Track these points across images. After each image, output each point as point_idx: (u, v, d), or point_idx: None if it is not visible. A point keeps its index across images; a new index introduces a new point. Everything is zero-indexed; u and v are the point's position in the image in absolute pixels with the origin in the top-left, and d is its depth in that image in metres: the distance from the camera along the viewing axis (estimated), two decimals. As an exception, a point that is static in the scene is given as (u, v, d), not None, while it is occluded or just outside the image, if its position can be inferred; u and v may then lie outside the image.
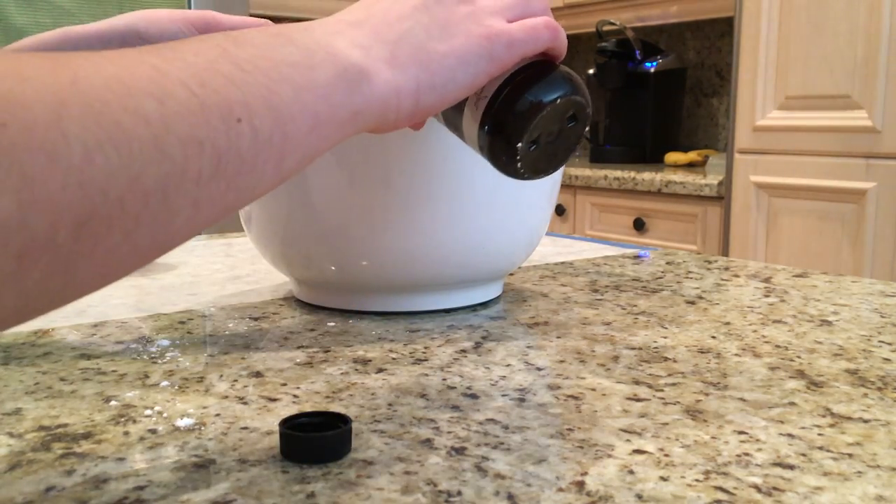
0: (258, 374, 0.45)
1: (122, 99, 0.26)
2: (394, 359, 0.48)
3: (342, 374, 0.45)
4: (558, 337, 0.53)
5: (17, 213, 0.24)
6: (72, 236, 0.25)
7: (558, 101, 0.40)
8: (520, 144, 0.41)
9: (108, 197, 0.26)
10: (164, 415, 0.39)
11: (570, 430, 0.37)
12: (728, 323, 0.57)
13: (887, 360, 0.48)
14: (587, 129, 0.44)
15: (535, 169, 0.43)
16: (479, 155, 0.44)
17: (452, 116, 0.44)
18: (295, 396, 0.42)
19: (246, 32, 0.33)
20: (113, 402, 0.41)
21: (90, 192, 0.25)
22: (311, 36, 0.35)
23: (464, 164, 0.54)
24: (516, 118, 0.40)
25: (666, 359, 0.48)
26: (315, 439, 0.34)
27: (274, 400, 0.41)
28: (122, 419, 0.38)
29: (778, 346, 0.51)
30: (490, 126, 0.41)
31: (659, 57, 2.52)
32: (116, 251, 0.27)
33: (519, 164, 0.42)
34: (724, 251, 2.00)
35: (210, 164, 0.29)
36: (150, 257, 0.29)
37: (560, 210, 2.45)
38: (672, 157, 2.45)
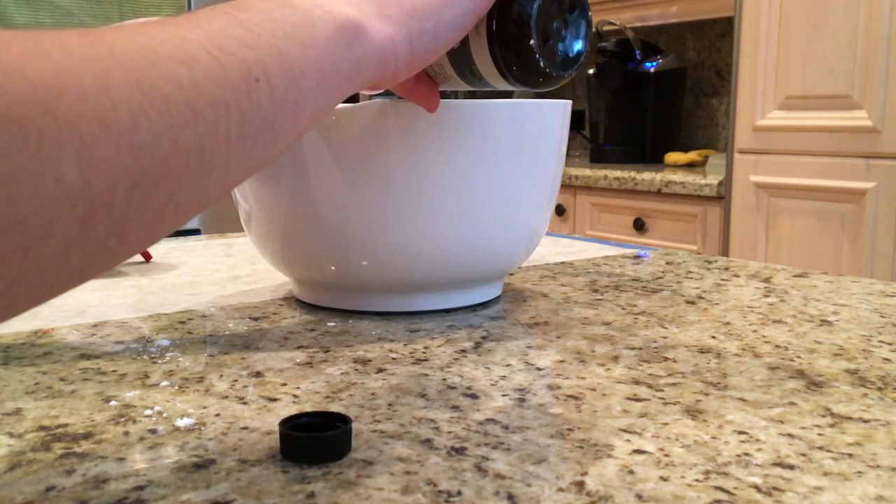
0: (258, 374, 0.45)
1: (156, 65, 0.28)
2: (394, 359, 0.48)
3: (342, 374, 0.45)
4: (558, 337, 0.53)
5: (80, 178, 0.25)
6: (126, 198, 0.27)
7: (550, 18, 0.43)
8: (532, 42, 0.43)
9: (154, 159, 0.27)
10: (164, 415, 0.39)
11: (570, 430, 0.37)
12: (728, 323, 0.57)
13: (887, 360, 0.49)
14: (590, 13, 0.46)
15: (558, 64, 0.45)
16: (504, 86, 0.46)
17: (462, 58, 0.45)
18: (295, 396, 0.42)
19: (249, 1, 0.34)
20: (113, 402, 0.41)
21: (139, 155, 0.27)
22: None
23: (464, 165, 0.54)
24: (517, 22, 0.43)
25: (666, 359, 0.48)
26: (315, 439, 0.34)
27: (274, 400, 0.41)
28: (122, 419, 0.38)
29: (778, 346, 0.51)
30: (498, 42, 0.43)
31: (659, 57, 2.53)
32: (163, 210, 0.29)
33: (542, 64, 0.43)
34: (724, 251, 2.00)
35: (237, 124, 0.31)
36: (188, 216, 0.31)
37: (560, 210, 2.45)
38: (672, 157, 2.45)
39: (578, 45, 0.45)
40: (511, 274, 0.74)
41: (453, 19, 0.41)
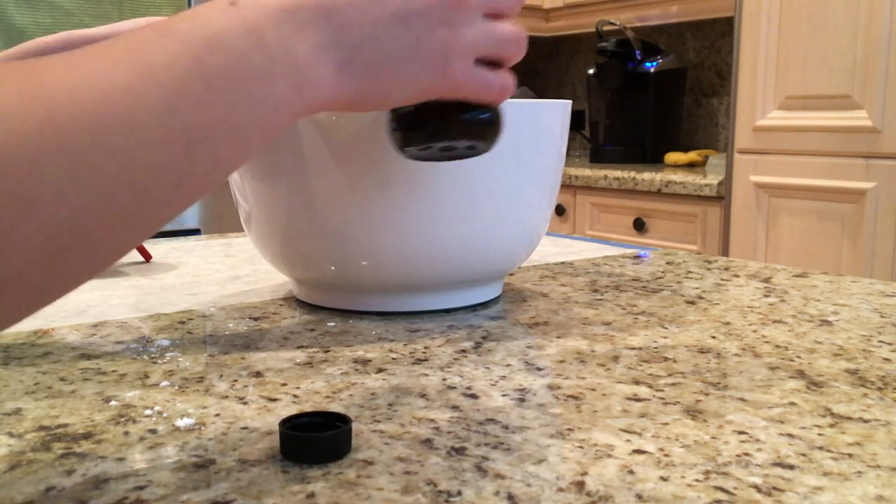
0: (258, 374, 0.45)
1: (95, 134, 0.27)
2: (394, 359, 0.48)
3: (342, 374, 0.45)
4: (558, 337, 0.53)
5: None
6: (41, 273, 0.26)
7: (460, 141, 0.44)
8: (409, 148, 0.44)
9: (77, 232, 0.26)
10: (164, 415, 0.39)
11: (570, 430, 0.37)
12: (728, 323, 0.57)
13: (887, 360, 0.49)
14: (489, 149, 0.47)
15: (420, 158, 0.46)
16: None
17: None
18: (295, 396, 0.42)
19: (224, 31, 0.33)
20: (113, 402, 0.41)
21: (61, 231, 0.26)
22: (278, 34, 0.35)
23: (464, 165, 0.54)
24: (418, 133, 0.43)
25: (666, 359, 0.48)
26: (315, 439, 0.34)
27: (274, 400, 0.41)
28: (122, 419, 0.38)
29: (778, 346, 0.51)
30: (395, 120, 0.44)
31: (659, 57, 2.52)
32: (81, 273, 0.28)
33: (405, 154, 0.45)
34: (724, 251, 2.00)
35: (170, 186, 0.30)
36: (107, 266, 0.31)
37: (560, 210, 2.45)
38: (672, 157, 2.45)
39: (452, 158, 0.46)
40: (511, 274, 0.74)
41: (403, 98, 0.40)
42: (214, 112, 0.31)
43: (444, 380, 0.44)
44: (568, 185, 2.39)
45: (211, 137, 0.31)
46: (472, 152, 0.45)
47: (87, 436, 0.36)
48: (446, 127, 0.43)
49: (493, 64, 0.42)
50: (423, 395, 0.42)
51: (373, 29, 0.38)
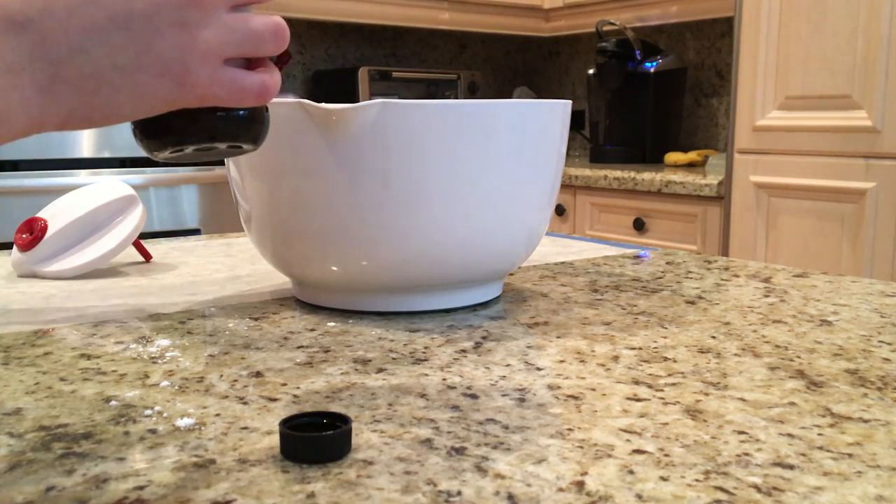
0: (258, 374, 0.45)
1: None
2: (394, 359, 0.48)
3: (342, 374, 0.45)
4: (558, 337, 0.53)
5: None
6: None
7: (217, 143, 0.39)
8: (158, 153, 0.39)
9: None
10: (164, 415, 0.39)
11: (570, 430, 0.37)
12: (728, 323, 0.57)
13: (887, 360, 0.49)
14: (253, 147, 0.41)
15: (176, 161, 0.41)
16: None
17: None
18: (295, 396, 0.42)
19: None
20: (113, 402, 0.41)
21: None
22: None
23: (464, 164, 0.54)
24: (165, 139, 0.38)
25: (666, 359, 0.48)
26: (315, 439, 0.34)
27: (274, 400, 0.41)
28: (122, 419, 0.38)
29: (778, 346, 0.51)
30: (137, 125, 0.38)
31: (659, 57, 2.52)
32: None
33: (157, 158, 0.40)
34: (724, 251, 2.00)
35: None
36: None
37: (560, 210, 2.45)
38: (672, 157, 2.45)
39: (203, 159, 0.42)
40: (511, 274, 0.74)
41: (134, 115, 0.34)
42: None
43: (444, 380, 0.44)
44: (568, 185, 2.39)
45: None
46: (236, 151, 0.41)
47: (87, 436, 0.36)
48: (198, 130, 0.38)
49: (251, 61, 0.38)
50: (423, 395, 0.42)
51: (83, 38, 0.32)
